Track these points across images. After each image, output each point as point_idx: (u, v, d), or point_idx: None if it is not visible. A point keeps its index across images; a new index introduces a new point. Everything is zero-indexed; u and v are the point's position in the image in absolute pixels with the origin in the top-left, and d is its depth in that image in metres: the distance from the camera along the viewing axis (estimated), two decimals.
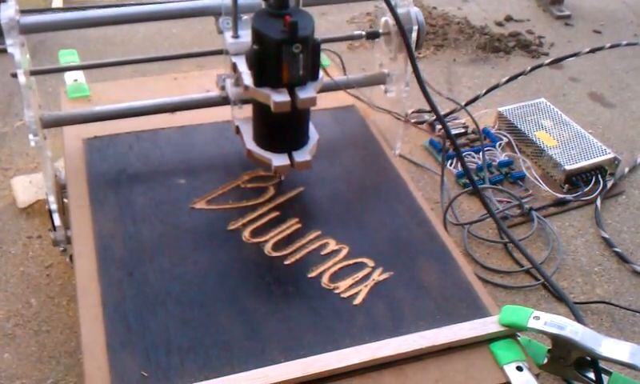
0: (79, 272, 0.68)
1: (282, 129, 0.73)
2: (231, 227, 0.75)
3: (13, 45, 0.73)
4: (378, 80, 0.94)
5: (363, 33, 0.91)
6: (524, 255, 0.80)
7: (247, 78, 0.70)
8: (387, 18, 0.89)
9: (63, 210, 0.85)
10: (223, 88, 0.82)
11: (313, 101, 0.69)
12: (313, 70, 0.70)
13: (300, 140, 0.75)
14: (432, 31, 1.61)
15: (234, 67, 0.73)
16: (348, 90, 0.91)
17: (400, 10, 0.86)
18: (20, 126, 1.21)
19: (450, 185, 1.13)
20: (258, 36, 0.67)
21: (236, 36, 0.75)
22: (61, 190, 0.85)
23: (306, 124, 0.75)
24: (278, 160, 0.73)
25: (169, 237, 0.73)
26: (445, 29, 1.62)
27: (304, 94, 0.68)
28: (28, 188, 1.04)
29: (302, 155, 0.74)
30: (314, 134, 0.77)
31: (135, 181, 0.80)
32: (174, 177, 0.81)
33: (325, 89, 0.88)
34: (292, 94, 0.68)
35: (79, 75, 0.97)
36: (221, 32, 0.77)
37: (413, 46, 0.85)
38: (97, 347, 0.61)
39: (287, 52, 0.66)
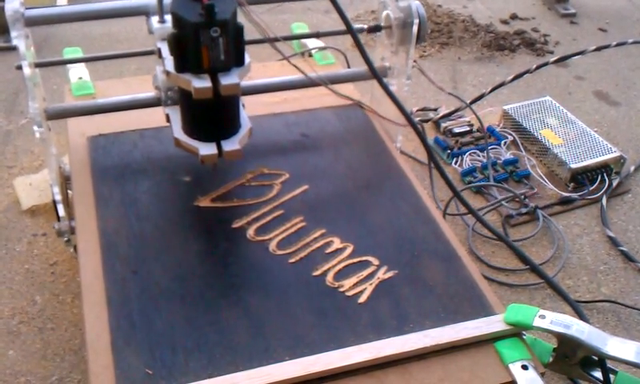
0: (84, 269, 0.68)
1: (207, 116, 0.71)
2: (236, 225, 0.75)
3: (18, 37, 0.74)
4: (380, 73, 0.94)
5: (365, 26, 0.91)
6: (519, 254, 0.79)
7: (169, 64, 0.68)
8: (389, 12, 0.90)
9: (67, 201, 0.86)
10: (158, 87, 0.80)
11: (236, 87, 0.67)
12: (237, 55, 0.67)
13: (228, 128, 0.72)
14: (437, 29, 1.60)
15: (159, 53, 0.71)
16: (351, 97, 0.91)
17: (401, 4, 0.87)
18: (25, 123, 1.21)
19: (455, 183, 1.13)
20: (176, 19, 0.65)
21: (162, 21, 0.73)
22: (65, 181, 0.86)
23: (235, 112, 0.73)
24: (205, 149, 0.70)
25: (173, 235, 0.73)
26: (450, 27, 1.62)
27: (227, 80, 0.66)
28: (30, 191, 1.04)
29: (231, 144, 0.71)
30: (246, 122, 0.74)
31: (140, 178, 0.80)
32: (178, 174, 0.81)
33: (336, 80, 0.89)
34: (214, 80, 0.66)
35: (84, 73, 0.97)
36: (151, 32, 0.75)
37: (414, 39, 0.85)
38: (101, 345, 0.61)
39: (205, 36, 0.64)
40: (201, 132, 0.72)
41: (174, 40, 0.66)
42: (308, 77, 0.80)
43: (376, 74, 0.80)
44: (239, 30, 0.67)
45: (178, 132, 0.73)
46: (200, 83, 0.66)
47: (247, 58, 0.69)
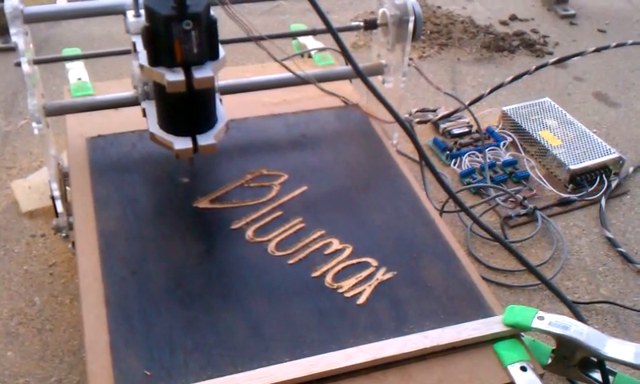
0: (82, 270, 0.68)
1: (182, 110, 0.70)
2: (234, 226, 0.75)
3: (17, 34, 0.75)
4: (376, 71, 0.95)
5: (361, 23, 0.93)
6: (515, 255, 0.79)
7: (143, 58, 0.68)
8: (385, 9, 0.90)
9: (66, 197, 0.86)
10: (136, 87, 0.80)
11: (210, 81, 0.67)
12: (211, 48, 0.67)
13: (204, 123, 0.72)
14: (436, 30, 1.60)
15: (134, 47, 0.71)
16: (337, 94, 0.90)
17: (397, 1, 0.87)
18: (24, 124, 1.21)
19: (453, 184, 1.13)
20: (148, 13, 0.65)
21: (138, 15, 0.73)
22: (63, 177, 0.87)
23: (210, 106, 0.72)
24: (180, 143, 0.70)
25: (172, 236, 0.73)
26: (449, 28, 1.62)
27: (200, 73, 0.66)
28: (29, 194, 1.04)
29: (207, 139, 0.71)
30: (222, 116, 0.74)
31: (138, 179, 0.80)
32: (177, 175, 0.81)
33: (327, 79, 0.90)
34: (188, 73, 0.66)
35: (83, 74, 0.97)
36: (128, 31, 0.75)
37: (410, 36, 0.87)
38: (100, 346, 0.61)
39: (178, 29, 0.64)
40: (176, 126, 0.72)
41: (146, 33, 0.65)
42: (297, 75, 0.80)
43: (359, 73, 0.80)
44: (212, 23, 0.66)
45: (154, 126, 0.73)
46: (173, 77, 0.66)
47: (222, 52, 0.69)
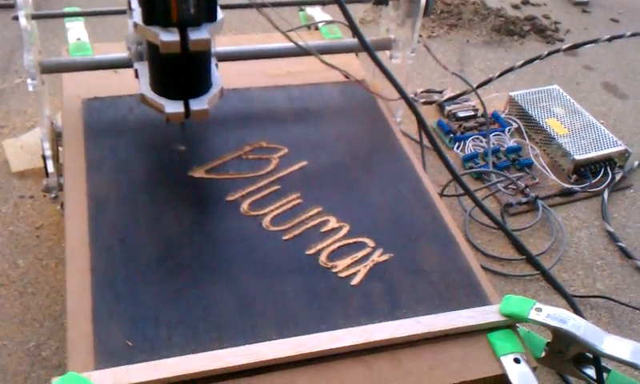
0: (69, 235, 0.66)
1: (175, 73, 0.68)
2: (229, 198, 0.73)
3: None
4: (384, 45, 0.93)
5: None
6: (515, 243, 0.77)
7: (137, 15, 0.65)
8: None
9: (57, 158, 0.84)
10: (129, 48, 0.78)
11: (206, 43, 0.64)
12: (209, 10, 0.65)
13: (197, 87, 0.70)
14: (447, 10, 1.57)
15: (129, 4, 0.68)
16: (336, 67, 0.87)
17: None
18: (19, 83, 1.18)
19: (457, 169, 1.11)
20: None
21: None
22: (56, 137, 0.85)
23: (205, 69, 0.70)
24: (172, 107, 0.68)
25: (164, 205, 0.71)
26: (460, 8, 1.58)
27: (196, 35, 0.64)
28: (21, 154, 1.02)
29: (199, 104, 0.69)
30: (218, 82, 0.72)
31: (133, 144, 0.78)
32: (173, 143, 0.78)
33: (331, 51, 0.88)
34: (183, 34, 0.64)
35: (82, 34, 0.95)
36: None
37: (421, 12, 0.84)
38: (82, 313, 0.59)
39: None
40: (168, 89, 0.69)
41: None
42: (298, 45, 0.77)
43: (366, 45, 0.77)
44: None
45: (146, 88, 0.71)
46: (168, 37, 0.63)
47: (220, 15, 0.66)
